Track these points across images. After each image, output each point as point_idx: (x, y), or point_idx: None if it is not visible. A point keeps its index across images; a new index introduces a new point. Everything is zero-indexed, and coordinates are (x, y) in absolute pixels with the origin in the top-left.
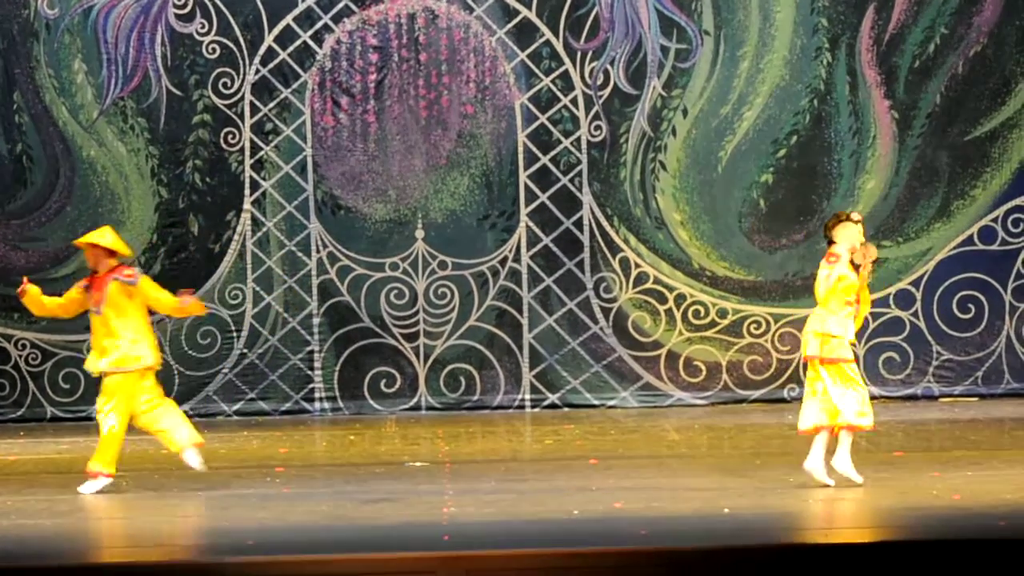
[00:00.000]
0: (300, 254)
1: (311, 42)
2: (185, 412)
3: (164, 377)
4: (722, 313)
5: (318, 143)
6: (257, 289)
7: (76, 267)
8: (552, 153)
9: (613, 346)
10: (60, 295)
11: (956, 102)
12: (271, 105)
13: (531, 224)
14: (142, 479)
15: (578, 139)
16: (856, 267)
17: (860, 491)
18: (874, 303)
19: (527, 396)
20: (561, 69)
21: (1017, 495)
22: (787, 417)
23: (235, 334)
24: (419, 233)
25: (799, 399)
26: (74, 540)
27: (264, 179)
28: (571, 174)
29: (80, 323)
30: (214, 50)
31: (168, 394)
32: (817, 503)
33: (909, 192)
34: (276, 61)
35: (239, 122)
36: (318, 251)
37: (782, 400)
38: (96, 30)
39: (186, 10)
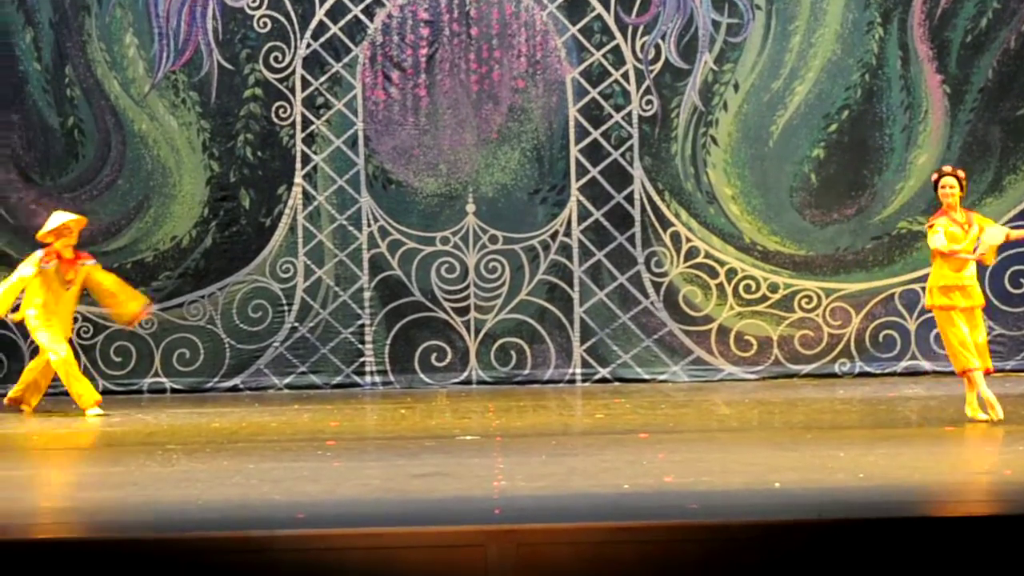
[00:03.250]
0: (351, 228)
1: (362, 16)
2: (236, 386)
3: (215, 350)
4: (773, 288)
5: (369, 117)
6: (308, 263)
7: (128, 240)
8: (603, 128)
9: (664, 320)
10: (112, 269)
11: (1008, 76)
12: (322, 79)
13: (582, 198)
14: (193, 452)
15: (629, 113)
16: None
17: (911, 467)
18: (926, 279)
19: (578, 370)
20: (612, 43)
21: None
22: (838, 392)
23: (286, 308)
24: (470, 207)
25: (850, 374)
26: (126, 514)
27: (315, 153)
28: (622, 148)
29: None
30: (265, 24)
31: (218, 368)
32: (868, 478)
33: (961, 167)
34: (327, 35)
35: (290, 96)
36: (369, 225)
37: (833, 375)
38: (148, 4)
39: None
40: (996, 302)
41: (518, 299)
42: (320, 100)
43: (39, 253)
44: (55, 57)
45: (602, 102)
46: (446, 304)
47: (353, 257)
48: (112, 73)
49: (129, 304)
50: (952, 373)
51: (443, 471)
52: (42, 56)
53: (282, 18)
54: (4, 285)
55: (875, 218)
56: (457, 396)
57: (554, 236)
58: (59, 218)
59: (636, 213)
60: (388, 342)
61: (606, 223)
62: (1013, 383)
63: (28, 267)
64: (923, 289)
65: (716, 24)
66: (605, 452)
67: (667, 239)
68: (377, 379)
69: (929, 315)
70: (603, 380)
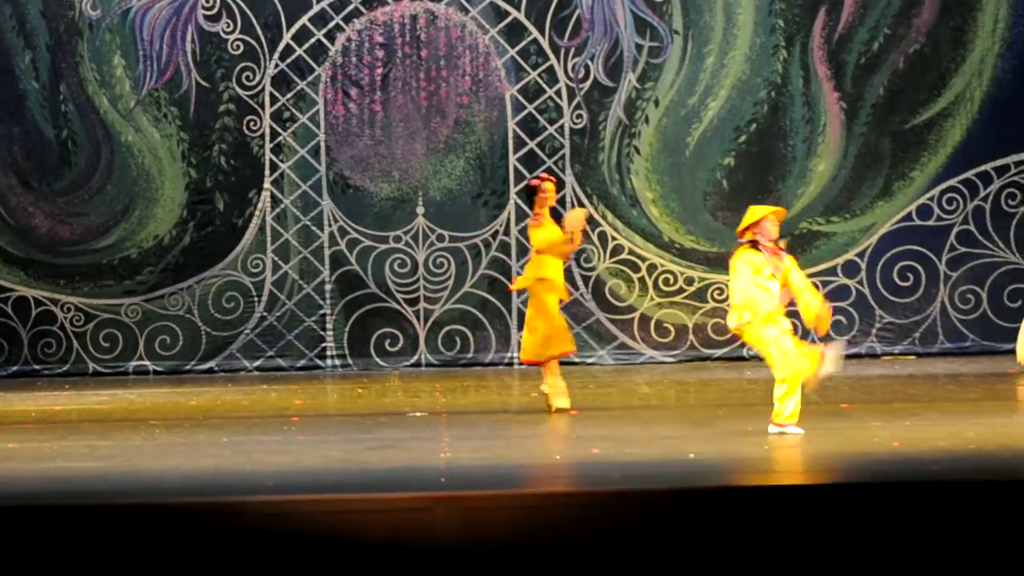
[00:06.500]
0: (314, 228)
1: (324, 40)
2: (211, 368)
3: (193, 337)
4: (689, 281)
5: (330, 129)
6: (276, 259)
7: (115, 239)
8: (538, 139)
9: (592, 310)
10: (101, 264)
11: (897, 94)
12: (288, 96)
13: (519, 202)
14: (173, 427)
15: (561, 126)
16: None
17: (810, 439)
18: (824, 272)
19: (515, 354)
20: (547, 64)
21: (949, 442)
22: (746, 373)
23: (256, 299)
24: (420, 210)
25: (757, 357)
26: (113, 482)
27: (282, 161)
28: (555, 157)
29: (119, 288)
30: (238, 47)
31: (196, 352)
32: (772, 449)
33: (855, 174)
34: (293, 56)
35: (260, 111)
36: (330, 225)
37: (742, 358)
38: (134, 29)
39: (213, 11)
40: (885, 293)
41: (462, 291)
42: (287, 114)
43: (743, 249)
44: (51, 76)
45: (537, 116)
46: (398, 295)
47: (316, 254)
48: (102, 90)
49: (811, 306)
50: (846, 357)
51: (395, 444)
52: (39, 75)
53: (253, 41)
54: (750, 293)
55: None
56: (408, 377)
57: (494, 235)
58: (756, 212)
59: None
60: (347, 329)
61: None
62: (901, 366)
63: (743, 268)
64: (822, 283)
65: (639, 47)
66: (540, 427)
67: (595, 238)
68: (337, 362)
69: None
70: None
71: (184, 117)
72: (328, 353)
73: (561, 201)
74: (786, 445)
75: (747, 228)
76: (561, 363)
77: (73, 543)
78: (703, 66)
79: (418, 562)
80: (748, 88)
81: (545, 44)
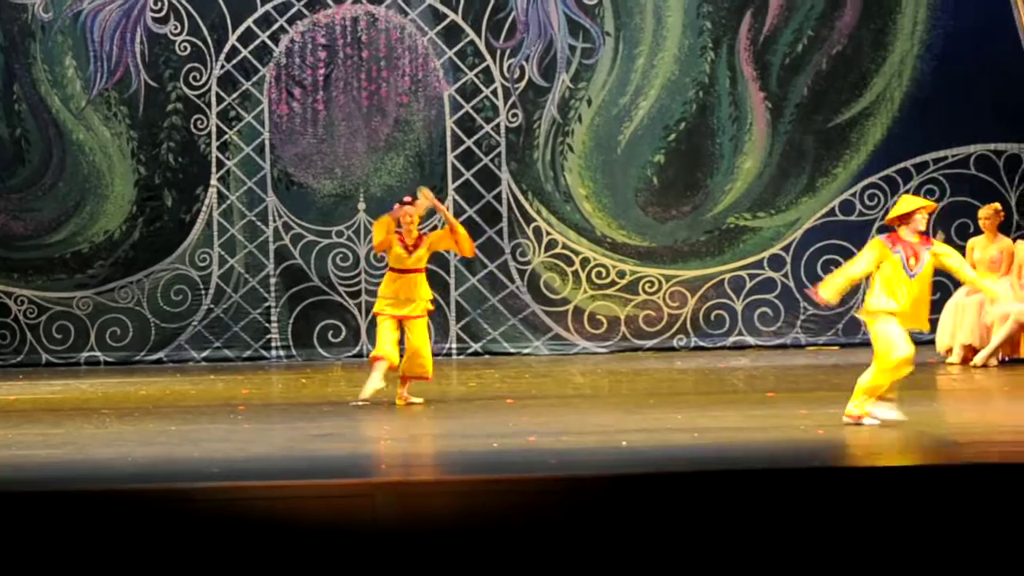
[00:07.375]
0: (259, 223)
1: (268, 41)
2: (160, 359)
3: (142, 328)
4: (621, 274)
5: (274, 128)
6: (222, 253)
7: (67, 234)
8: (475, 137)
9: (528, 302)
10: (53, 258)
11: (820, 94)
12: (234, 95)
13: (457, 198)
14: (123, 416)
15: (497, 125)
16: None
17: (737, 426)
18: (750, 266)
19: (454, 345)
20: (483, 65)
21: (872, 429)
22: (676, 363)
23: (203, 292)
24: (361, 205)
25: (686, 348)
26: (65, 469)
27: (228, 159)
28: (491, 155)
29: (71, 281)
30: (185, 48)
31: (145, 343)
32: (701, 437)
33: (780, 171)
34: (239, 58)
35: (207, 110)
36: (274, 221)
37: (672, 349)
38: (85, 31)
39: (162, 13)
40: (810, 286)
41: None
42: (232, 113)
43: (881, 237)
44: (4, 77)
45: (474, 115)
46: (340, 288)
47: (261, 248)
48: (54, 90)
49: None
50: (772, 347)
51: (338, 432)
52: None
53: (200, 43)
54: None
55: (707, 215)
56: (350, 368)
57: (433, 230)
58: (911, 203)
59: (503, 210)
60: (291, 321)
61: (478, 219)
62: (825, 356)
63: (869, 252)
64: (748, 276)
65: (572, 48)
66: (477, 415)
67: (530, 232)
68: (281, 353)
69: (753, 297)
70: (475, 353)
71: (133, 116)
72: (273, 344)
73: (497, 197)
74: (711, 433)
75: (898, 218)
76: (495, 354)
77: (26, 529)
78: (634, 67)
79: (358, 545)
80: (677, 88)
81: (481, 45)
